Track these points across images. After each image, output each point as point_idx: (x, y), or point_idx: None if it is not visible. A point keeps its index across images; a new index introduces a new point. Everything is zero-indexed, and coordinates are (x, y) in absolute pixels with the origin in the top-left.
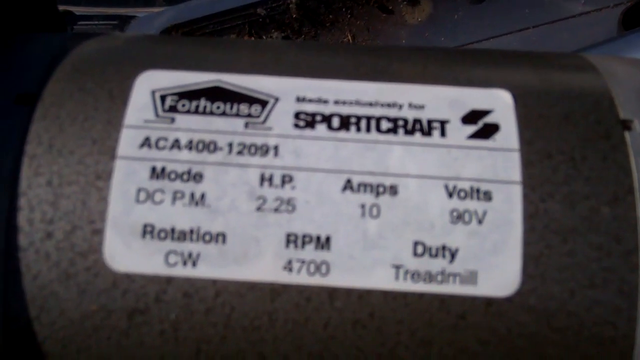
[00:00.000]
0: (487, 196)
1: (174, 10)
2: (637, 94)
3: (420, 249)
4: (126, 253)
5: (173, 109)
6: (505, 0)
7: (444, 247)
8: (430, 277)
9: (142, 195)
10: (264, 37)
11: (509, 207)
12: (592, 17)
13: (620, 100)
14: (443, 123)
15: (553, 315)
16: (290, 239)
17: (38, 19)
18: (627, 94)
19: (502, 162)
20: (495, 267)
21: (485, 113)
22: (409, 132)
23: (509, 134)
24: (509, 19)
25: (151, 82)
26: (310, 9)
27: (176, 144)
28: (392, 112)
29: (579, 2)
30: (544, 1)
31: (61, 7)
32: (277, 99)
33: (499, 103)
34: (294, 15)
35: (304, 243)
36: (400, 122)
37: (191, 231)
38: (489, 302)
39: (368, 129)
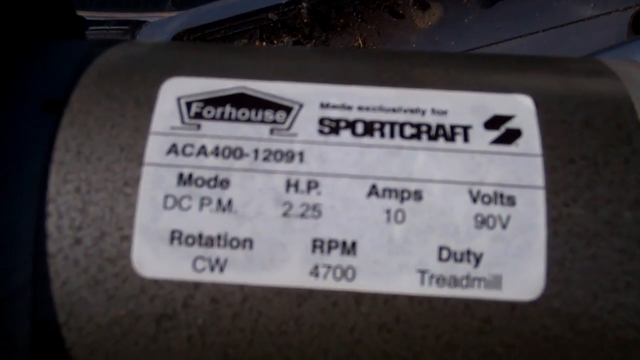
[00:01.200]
0: (511, 201)
1: (185, 16)
2: None
3: (445, 254)
4: (154, 259)
5: (199, 115)
6: (515, 4)
7: (468, 252)
8: (455, 282)
9: (170, 202)
10: (275, 42)
11: (532, 211)
12: (601, 20)
13: None
14: (466, 128)
15: (577, 318)
16: (317, 244)
17: (58, 24)
18: None
19: (525, 167)
20: (520, 271)
21: (507, 118)
22: (433, 137)
23: (531, 139)
24: (519, 22)
25: (176, 88)
26: (321, 13)
27: (202, 151)
28: (415, 118)
29: (589, 5)
30: (554, 5)
31: None
32: (301, 105)
33: (521, 108)
34: (305, 20)
35: (330, 248)
36: (424, 128)
37: (218, 237)
38: (513, 306)
39: (392, 135)
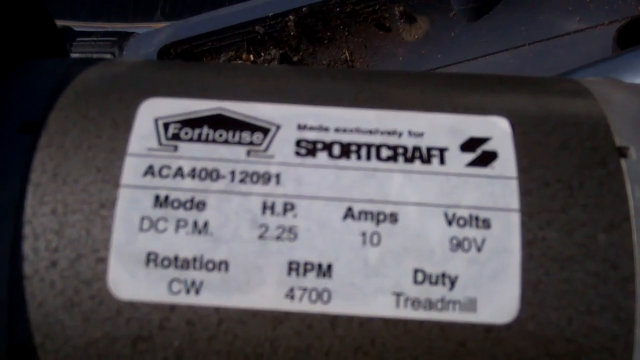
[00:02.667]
0: (486, 224)
1: (172, 28)
2: (633, 121)
3: (420, 277)
4: (130, 281)
5: (176, 137)
6: (501, 18)
7: (443, 275)
8: (430, 305)
9: (146, 224)
10: (263, 55)
11: (507, 234)
12: (587, 34)
13: (616, 127)
14: (442, 151)
15: (551, 341)
16: (292, 267)
17: (38, 41)
18: (622, 120)
19: (500, 190)
20: (495, 294)
21: (483, 141)
22: (409, 160)
23: (507, 161)
24: (504, 36)
25: (154, 109)
26: (308, 26)
27: (179, 172)
28: (392, 140)
29: (574, 19)
30: (540, 18)
31: (60, 23)
32: (278, 127)
33: (497, 131)
34: (292, 33)
35: (305, 271)
36: (400, 150)
37: (194, 259)
38: (488, 329)
39: (368, 157)
